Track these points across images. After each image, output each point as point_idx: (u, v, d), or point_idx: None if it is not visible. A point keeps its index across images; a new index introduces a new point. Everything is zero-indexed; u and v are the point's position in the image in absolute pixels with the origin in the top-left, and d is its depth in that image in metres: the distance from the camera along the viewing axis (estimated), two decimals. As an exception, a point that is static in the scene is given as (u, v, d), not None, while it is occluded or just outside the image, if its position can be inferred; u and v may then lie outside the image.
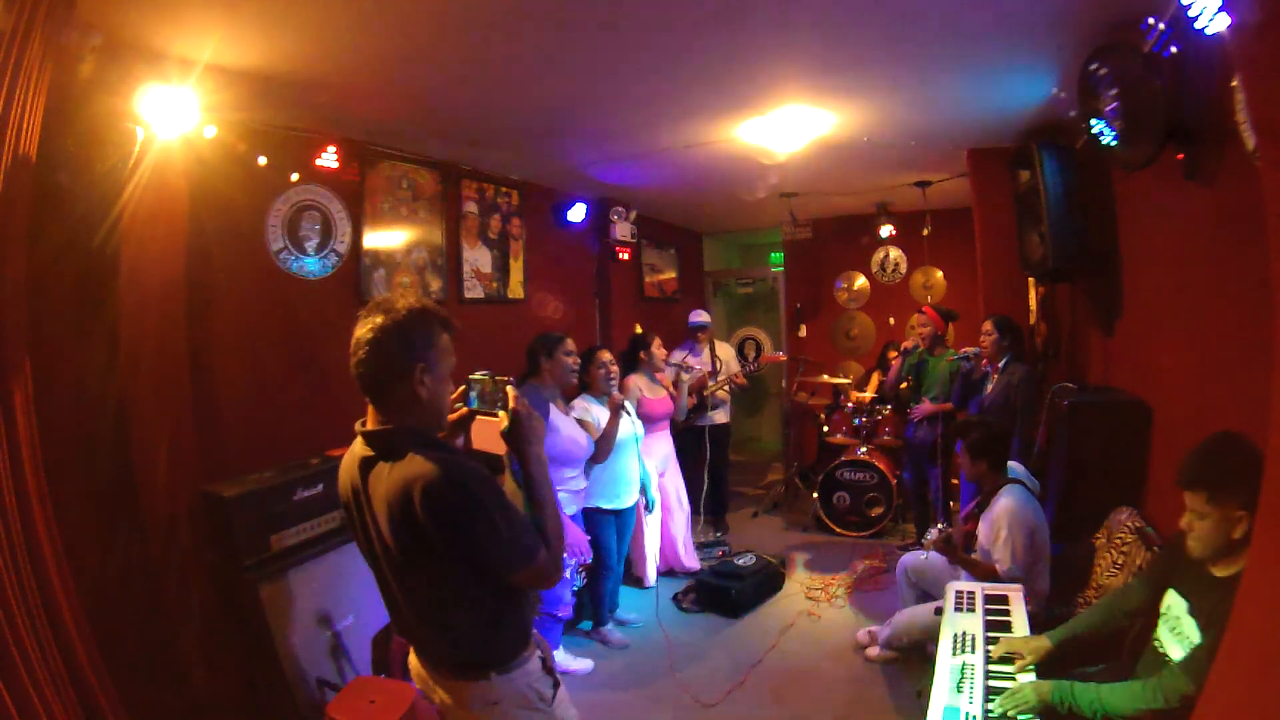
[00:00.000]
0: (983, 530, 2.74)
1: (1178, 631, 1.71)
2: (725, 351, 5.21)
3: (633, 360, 4.18)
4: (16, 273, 1.66)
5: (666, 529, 4.32)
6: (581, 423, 3.31)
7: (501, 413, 1.45)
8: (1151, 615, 1.85)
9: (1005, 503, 2.64)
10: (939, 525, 2.91)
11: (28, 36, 1.53)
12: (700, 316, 5.07)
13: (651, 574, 4.18)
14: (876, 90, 3.06)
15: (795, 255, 6.81)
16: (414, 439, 1.35)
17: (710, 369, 4.92)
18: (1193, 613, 1.68)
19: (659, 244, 6.48)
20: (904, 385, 4.60)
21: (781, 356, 5.68)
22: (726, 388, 4.83)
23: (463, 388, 1.50)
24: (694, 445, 4.71)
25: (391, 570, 1.40)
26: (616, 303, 5.61)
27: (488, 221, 4.31)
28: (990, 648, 2.01)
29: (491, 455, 1.49)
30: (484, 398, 1.48)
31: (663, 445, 4.25)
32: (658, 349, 4.20)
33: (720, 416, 4.92)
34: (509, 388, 1.46)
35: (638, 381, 4.10)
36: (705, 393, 4.73)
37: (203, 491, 2.48)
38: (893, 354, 5.35)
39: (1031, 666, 1.89)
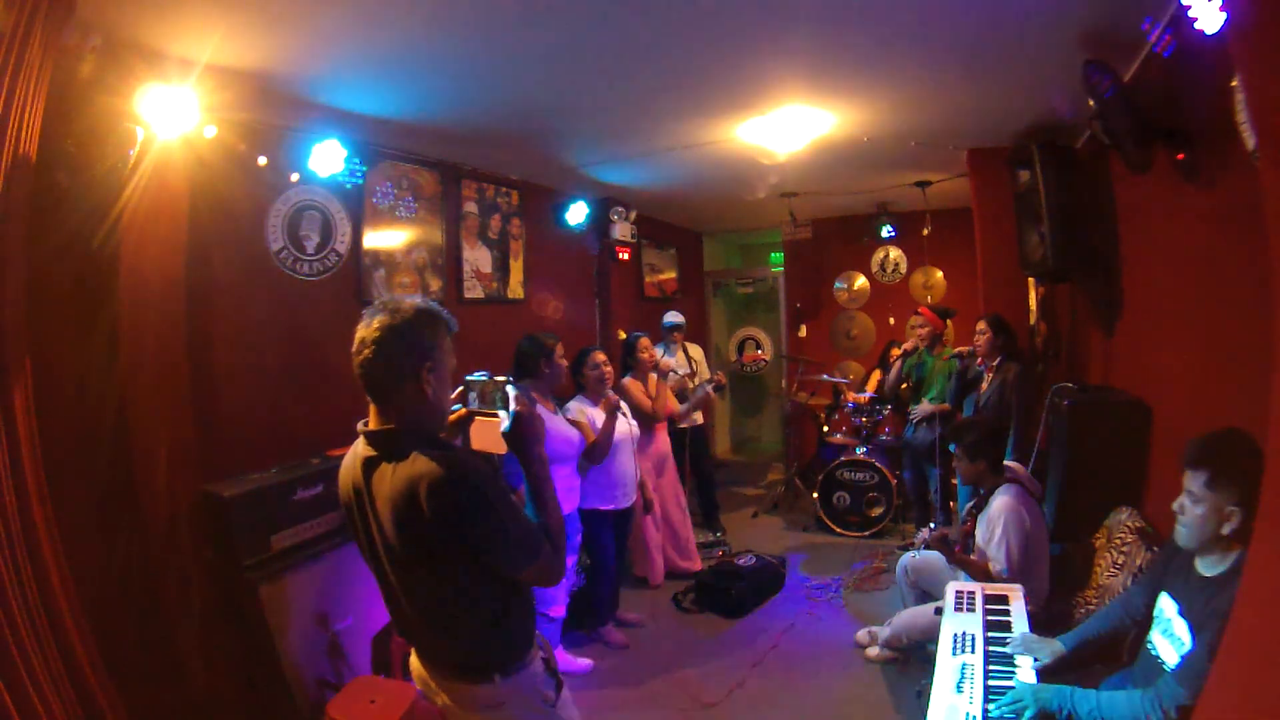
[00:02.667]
0: (980, 530, 2.74)
1: (1169, 634, 1.72)
2: (697, 352, 5.28)
3: (625, 364, 4.17)
4: (16, 273, 1.66)
5: (666, 529, 4.32)
6: (577, 424, 3.31)
7: (502, 413, 1.45)
8: (1147, 619, 1.86)
9: (1002, 502, 2.64)
10: (931, 525, 2.91)
11: (28, 36, 1.53)
12: (674, 317, 5.10)
13: (659, 574, 4.18)
14: (876, 90, 3.06)
15: (795, 255, 6.81)
16: (417, 439, 1.35)
17: (688, 370, 4.96)
18: (1184, 614, 1.68)
19: (659, 244, 6.48)
20: (904, 386, 4.60)
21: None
22: (709, 387, 4.83)
23: (461, 388, 1.50)
24: (676, 448, 4.70)
25: (394, 571, 1.40)
26: (616, 303, 5.60)
27: (488, 221, 4.31)
28: (1000, 642, 2.02)
29: (491, 455, 1.49)
30: (483, 398, 1.49)
31: (660, 445, 4.25)
32: (644, 351, 4.14)
33: (698, 416, 4.94)
34: (509, 388, 1.46)
35: (634, 385, 4.09)
36: (686, 394, 4.73)
37: (203, 491, 2.48)
38: (895, 351, 5.34)
39: (1035, 666, 1.90)
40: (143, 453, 2.34)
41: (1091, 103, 2.48)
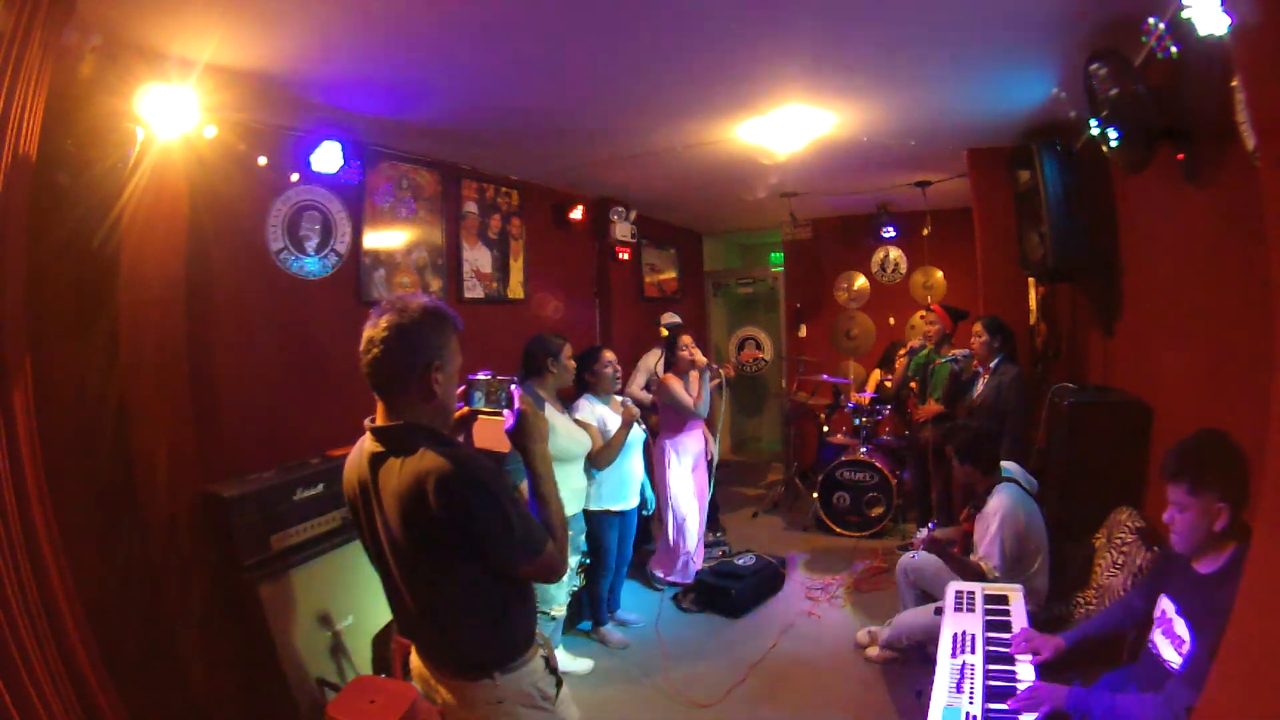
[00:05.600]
0: (977, 529, 2.76)
1: (1170, 634, 1.73)
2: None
3: (668, 360, 4.05)
4: (16, 273, 1.66)
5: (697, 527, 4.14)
6: (583, 424, 3.30)
7: (506, 411, 1.46)
8: (1148, 621, 1.86)
9: (996, 501, 2.66)
10: (929, 525, 2.92)
11: (28, 36, 1.53)
12: (673, 318, 5.00)
13: (688, 571, 4.01)
14: (876, 90, 3.06)
15: (795, 255, 6.81)
16: (425, 435, 1.37)
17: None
18: (1182, 613, 1.69)
19: (659, 244, 6.48)
20: (913, 384, 4.60)
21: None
22: (714, 381, 4.75)
23: (464, 387, 1.51)
24: None
25: (399, 567, 1.41)
26: (616, 303, 5.61)
27: (488, 221, 4.31)
28: (1000, 642, 2.02)
29: (495, 453, 1.50)
30: (487, 397, 1.50)
31: (695, 443, 4.12)
32: (684, 349, 3.97)
33: None
34: (513, 388, 1.47)
35: (674, 380, 3.94)
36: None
37: (203, 491, 2.48)
38: (901, 352, 5.34)
39: (1035, 662, 1.91)
40: (143, 453, 2.34)
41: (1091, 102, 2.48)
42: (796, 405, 6.09)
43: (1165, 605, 1.78)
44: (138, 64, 2.21)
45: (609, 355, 3.48)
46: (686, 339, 4.03)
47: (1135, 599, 2.00)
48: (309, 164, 3.04)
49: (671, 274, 6.73)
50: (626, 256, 5.60)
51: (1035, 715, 1.67)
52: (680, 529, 3.97)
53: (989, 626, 2.12)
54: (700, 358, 3.99)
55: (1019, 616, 2.18)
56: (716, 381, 5.00)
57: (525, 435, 1.46)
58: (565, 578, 3.10)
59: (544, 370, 3.14)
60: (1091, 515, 2.83)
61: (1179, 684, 1.59)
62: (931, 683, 1.86)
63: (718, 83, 2.89)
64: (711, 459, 4.50)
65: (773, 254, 7.64)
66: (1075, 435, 2.90)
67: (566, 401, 3.43)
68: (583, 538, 3.34)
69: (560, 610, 3.17)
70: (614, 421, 3.39)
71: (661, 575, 4.06)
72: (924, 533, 2.73)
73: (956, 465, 2.89)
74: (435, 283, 3.90)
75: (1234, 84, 1.74)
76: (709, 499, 4.90)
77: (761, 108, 3.21)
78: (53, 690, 1.55)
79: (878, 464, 4.89)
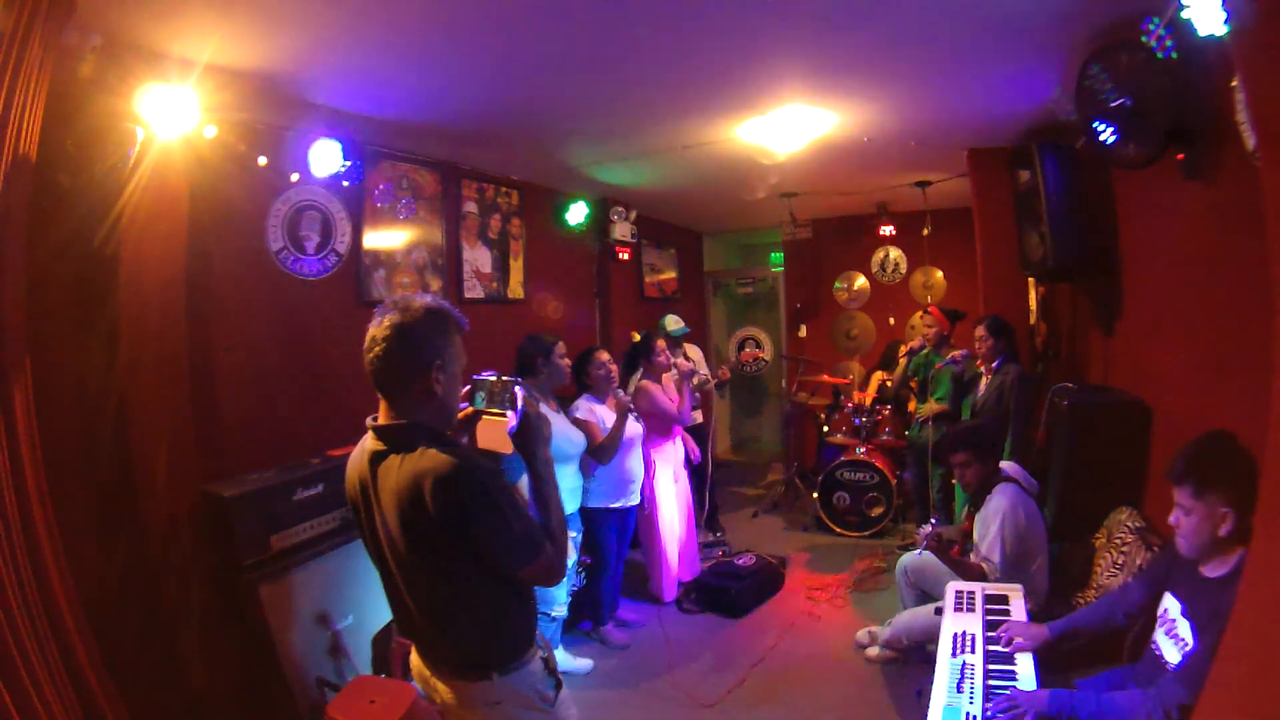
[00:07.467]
0: (976, 529, 2.76)
1: (1173, 633, 1.72)
2: (695, 353, 5.18)
3: (632, 366, 4.01)
4: (16, 273, 1.66)
5: (680, 538, 4.10)
6: (585, 424, 3.29)
7: (510, 413, 1.46)
8: (1150, 618, 1.86)
9: (997, 501, 2.66)
10: (931, 522, 2.91)
11: (28, 36, 1.53)
12: (680, 324, 4.91)
13: (671, 592, 3.98)
14: (876, 90, 3.06)
15: (795, 255, 6.81)
16: (426, 434, 1.37)
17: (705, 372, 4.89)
18: (1187, 615, 1.69)
19: (659, 244, 6.48)
20: (913, 384, 4.60)
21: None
22: (711, 384, 4.74)
23: (468, 387, 1.51)
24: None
25: (398, 566, 1.41)
26: (616, 303, 5.61)
27: (488, 221, 4.31)
28: (991, 634, 2.03)
29: (497, 454, 1.50)
30: (491, 398, 1.49)
31: (675, 451, 4.08)
32: (661, 354, 3.94)
33: (697, 416, 4.81)
34: (517, 389, 1.47)
35: (654, 387, 3.88)
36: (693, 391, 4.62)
37: (203, 491, 2.48)
38: (902, 351, 5.33)
39: (1030, 654, 1.92)
40: (143, 453, 2.34)
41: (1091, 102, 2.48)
42: (796, 405, 6.09)
43: (1170, 604, 1.77)
44: (138, 64, 2.21)
45: (603, 356, 3.48)
46: (661, 344, 3.98)
47: (1134, 590, 1.98)
48: (308, 164, 3.03)
49: (671, 274, 6.73)
50: (626, 256, 5.60)
51: None
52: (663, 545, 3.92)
53: (989, 626, 2.11)
54: (684, 363, 3.94)
55: (1019, 616, 2.18)
56: (715, 382, 5.01)
57: (529, 437, 1.46)
58: (565, 578, 3.09)
59: (536, 369, 3.14)
60: (1091, 515, 2.83)
61: (1173, 681, 1.59)
62: (931, 683, 1.86)
63: (718, 83, 2.89)
64: (697, 463, 4.44)
65: (773, 254, 7.64)
66: (1075, 435, 2.90)
67: (566, 401, 3.42)
68: (580, 537, 3.34)
69: (561, 610, 3.17)
70: (613, 420, 3.39)
71: (663, 598, 3.99)
72: (926, 529, 2.73)
73: (953, 453, 2.85)
74: (435, 283, 3.90)
75: (1234, 84, 1.74)
76: (704, 502, 4.88)
77: (761, 108, 3.21)
78: (53, 690, 1.55)
79: (878, 464, 4.89)
